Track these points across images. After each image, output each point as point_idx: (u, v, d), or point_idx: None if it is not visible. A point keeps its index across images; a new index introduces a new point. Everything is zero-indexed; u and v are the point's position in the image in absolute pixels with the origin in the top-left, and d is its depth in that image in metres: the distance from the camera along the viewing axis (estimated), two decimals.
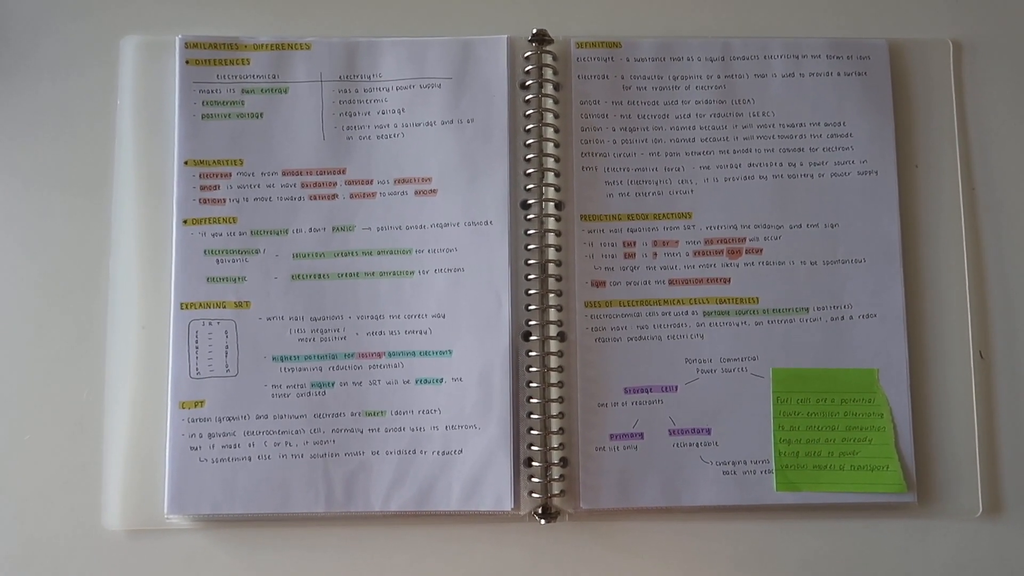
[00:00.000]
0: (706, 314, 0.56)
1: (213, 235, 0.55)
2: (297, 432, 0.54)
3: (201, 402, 0.54)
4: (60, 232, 0.56)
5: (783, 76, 0.58)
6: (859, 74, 0.58)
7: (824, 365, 0.55)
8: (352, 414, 0.54)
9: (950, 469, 0.55)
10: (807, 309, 0.56)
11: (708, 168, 0.57)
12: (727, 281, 0.56)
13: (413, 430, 0.54)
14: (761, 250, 0.56)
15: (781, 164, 0.57)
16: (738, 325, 0.56)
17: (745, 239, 0.56)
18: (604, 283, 0.56)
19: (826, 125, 0.58)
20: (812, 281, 0.56)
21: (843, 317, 0.56)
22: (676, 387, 0.55)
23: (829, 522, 0.55)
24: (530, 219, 0.56)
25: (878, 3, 0.60)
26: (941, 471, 0.55)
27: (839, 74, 0.58)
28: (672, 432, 0.55)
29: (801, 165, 0.57)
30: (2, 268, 0.56)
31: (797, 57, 0.58)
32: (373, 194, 0.56)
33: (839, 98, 0.58)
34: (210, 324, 0.55)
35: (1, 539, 0.54)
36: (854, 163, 0.57)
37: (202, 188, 0.56)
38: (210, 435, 0.53)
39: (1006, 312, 0.57)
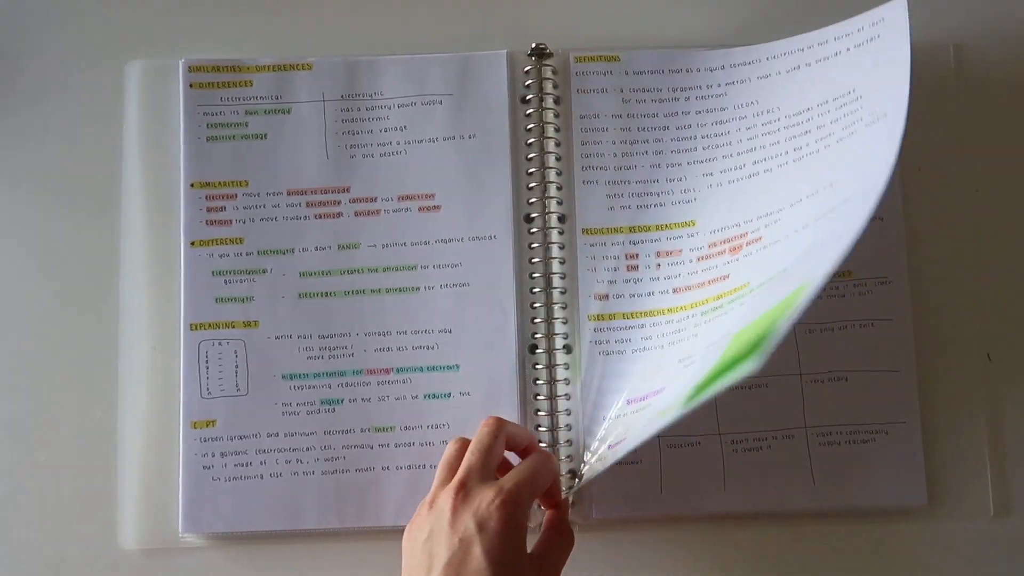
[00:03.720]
0: (703, 314, 0.53)
1: (220, 256, 0.56)
2: (308, 449, 0.54)
3: (212, 421, 0.54)
4: (70, 255, 0.57)
5: (787, 72, 0.56)
6: None
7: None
8: (362, 430, 0.55)
9: (960, 472, 0.55)
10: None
11: (711, 175, 0.57)
12: (727, 278, 0.54)
13: (422, 445, 0.55)
14: (760, 238, 0.53)
15: (787, 152, 0.54)
16: None
17: (747, 233, 0.54)
18: (607, 296, 0.56)
19: (834, 100, 0.53)
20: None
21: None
22: None
23: (840, 528, 0.55)
24: (533, 233, 0.56)
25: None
26: (951, 474, 0.55)
27: (847, 50, 0.54)
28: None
29: (808, 146, 0.53)
30: (14, 291, 0.57)
31: (801, 50, 0.56)
32: (377, 211, 0.57)
33: (846, 75, 0.53)
34: (220, 344, 0.55)
35: (19, 560, 0.54)
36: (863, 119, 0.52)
37: (208, 210, 0.56)
38: (222, 454, 0.54)
39: (1014, 313, 0.57)
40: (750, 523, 0.55)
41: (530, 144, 0.57)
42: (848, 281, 0.56)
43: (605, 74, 0.58)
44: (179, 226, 0.56)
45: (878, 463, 0.54)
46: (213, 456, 0.54)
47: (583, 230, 0.56)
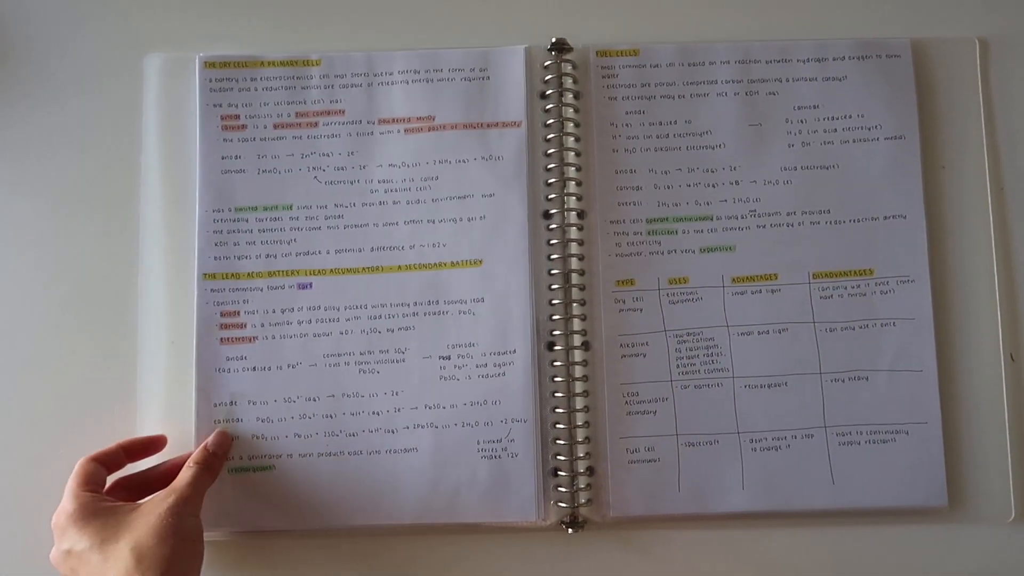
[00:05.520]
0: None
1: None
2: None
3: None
4: (89, 249, 0.57)
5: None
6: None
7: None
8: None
9: (982, 473, 0.55)
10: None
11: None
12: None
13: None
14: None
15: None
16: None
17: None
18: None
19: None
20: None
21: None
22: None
23: (859, 528, 0.55)
24: (552, 228, 0.56)
25: (902, 1, 0.59)
26: (973, 476, 0.55)
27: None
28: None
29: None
30: (33, 287, 0.57)
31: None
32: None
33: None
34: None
35: (39, 557, 0.54)
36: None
37: None
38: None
39: None
40: (768, 522, 0.54)
41: (549, 139, 0.56)
42: (870, 280, 0.56)
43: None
44: (195, 221, 0.56)
45: (899, 464, 0.54)
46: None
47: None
